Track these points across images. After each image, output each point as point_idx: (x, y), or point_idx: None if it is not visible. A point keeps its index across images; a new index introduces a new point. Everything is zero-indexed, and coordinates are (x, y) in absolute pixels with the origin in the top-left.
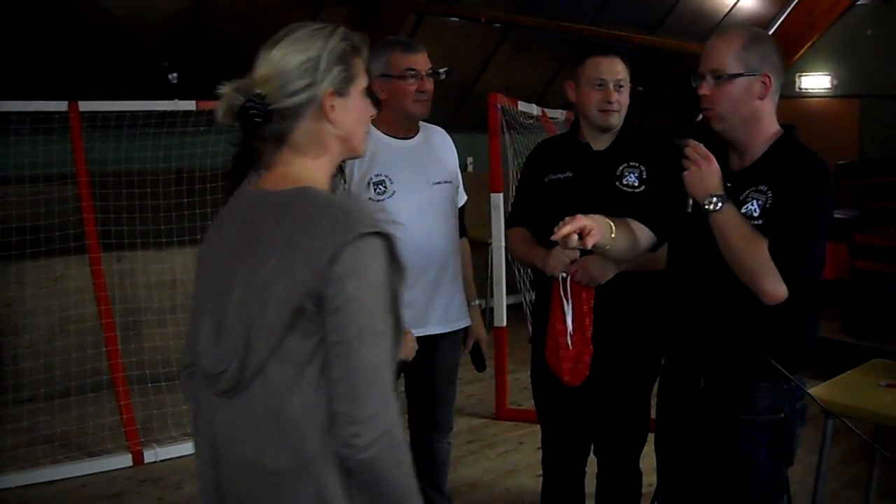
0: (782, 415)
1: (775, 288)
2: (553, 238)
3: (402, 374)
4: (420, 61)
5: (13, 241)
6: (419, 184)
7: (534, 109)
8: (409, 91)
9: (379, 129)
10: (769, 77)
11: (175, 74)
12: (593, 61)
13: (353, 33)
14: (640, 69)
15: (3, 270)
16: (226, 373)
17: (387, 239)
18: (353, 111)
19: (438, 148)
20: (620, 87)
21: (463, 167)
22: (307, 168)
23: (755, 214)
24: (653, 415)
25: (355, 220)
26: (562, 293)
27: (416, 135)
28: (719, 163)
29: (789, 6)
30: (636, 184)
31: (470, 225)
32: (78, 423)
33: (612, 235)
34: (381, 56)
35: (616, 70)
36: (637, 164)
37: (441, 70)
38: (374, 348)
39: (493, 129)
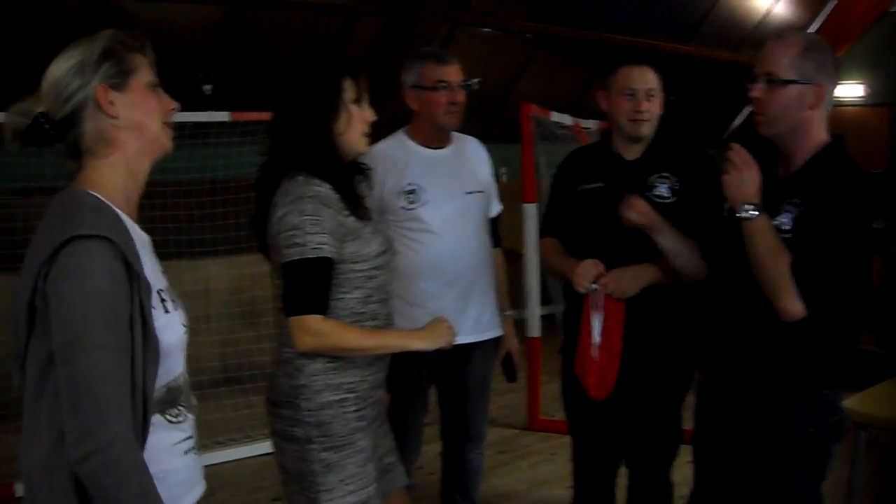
0: (813, 430)
1: (791, 306)
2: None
3: (435, 385)
4: (452, 73)
5: None
6: (452, 193)
7: (567, 119)
8: (440, 103)
9: (412, 139)
10: (822, 87)
11: (209, 86)
12: (624, 71)
13: (127, 33)
14: (674, 78)
15: None
16: (13, 372)
17: (112, 244)
18: (136, 104)
19: (471, 158)
20: (651, 96)
21: (496, 177)
22: (97, 170)
23: (786, 227)
24: (686, 426)
25: (78, 221)
26: (591, 305)
27: (448, 144)
28: (765, 169)
29: (822, 15)
30: (667, 195)
31: (503, 235)
32: None
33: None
34: (414, 67)
35: (647, 79)
36: (668, 175)
37: (473, 81)
38: (88, 358)
39: (527, 140)
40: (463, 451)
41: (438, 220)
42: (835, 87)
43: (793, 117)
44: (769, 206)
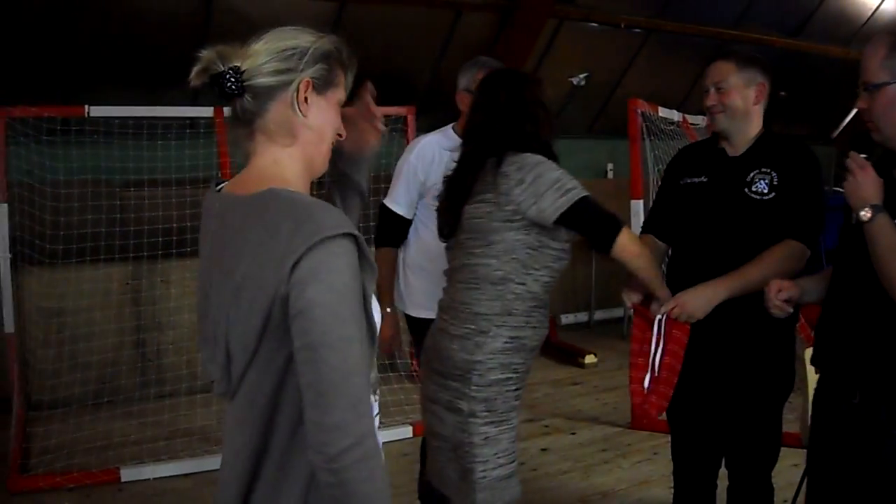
0: None
1: None
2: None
3: None
4: None
5: (160, 241)
6: None
7: (674, 115)
8: None
9: (459, 136)
10: None
11: None
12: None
13: (347, 48)
14: (783, 74)
15: (150, 269)
16: (217, 380)
17: (353, 239)
18: (326, 113)
19: None
20: (720, 89)
21: (602, 173)
22: (278, 160)
23: None
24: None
25: (318, 223)
26: (655, 333)
27: None
28: (886, 173)
29: None
30: (766, 191)
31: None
32: (218, 418)
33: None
34: (469, 72)
35: (715, 73)
36: (769, 171)
37: (580, 76)
38: (340, 354)
39: (634, 135)
40: None
41: None
42: None
43: (894, 118)
44: (891, 208)
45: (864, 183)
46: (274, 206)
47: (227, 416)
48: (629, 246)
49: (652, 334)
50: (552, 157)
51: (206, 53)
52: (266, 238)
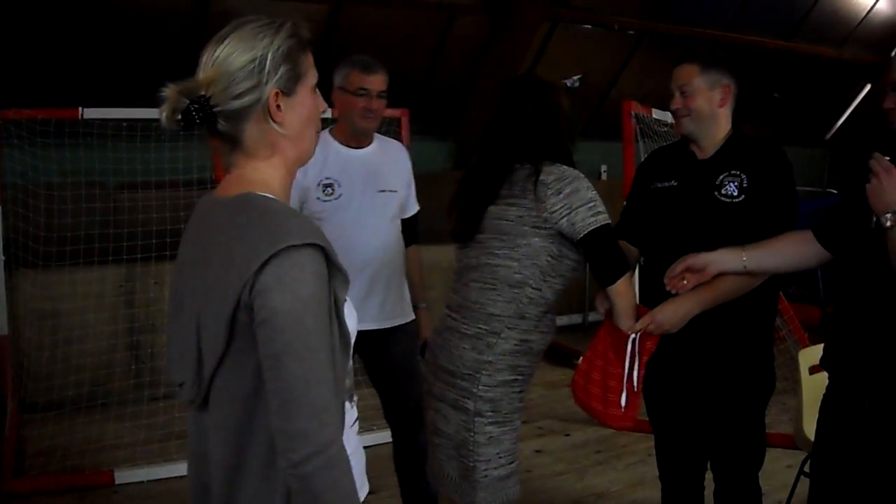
0: None
1: None
2: (668, 288)
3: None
4: (373, 83)
5: (153, 244)
6: (364, 190)
7: (668, 117)
8: (358, 107)
9: (334, 138)
10: None
11: None
12: None
13: (302, 27)
14: (777, 75)
15: (143, 271)
16: (185, 385)
17: (320, 249)
18: (300, 110)
19: (390, 160)
20: (684, 93)
21: (596, 175)
22: (259, 170)
23: None
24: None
25: (285, 231)
26: (629, 351)
27: (368, 146)
28: None
29: None
30: (735, 193)
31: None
32: None
33: (744, 258)
34: (342, 71)
35: (680, 76)
36: (738, 173)
37: (574, 78)
38: (303, 363)
39: (627, 137)
40: (413, 434)
41: (349, 214)
42: None
43: None
44: None
45: (889, 187)
46: (246, 210)
47: (194, 423)
48: (626, 290)
49: (626, 353)
50: (572, 164)
51: (169, 93)
52: (234, 243)
